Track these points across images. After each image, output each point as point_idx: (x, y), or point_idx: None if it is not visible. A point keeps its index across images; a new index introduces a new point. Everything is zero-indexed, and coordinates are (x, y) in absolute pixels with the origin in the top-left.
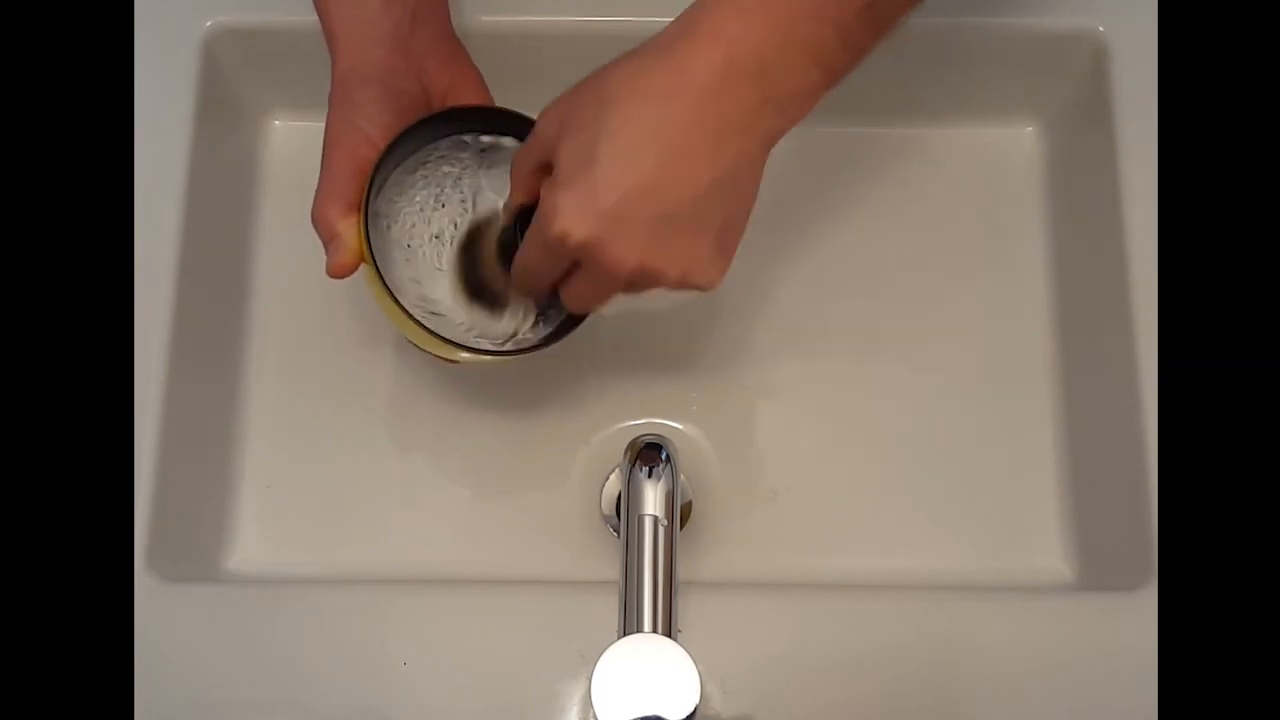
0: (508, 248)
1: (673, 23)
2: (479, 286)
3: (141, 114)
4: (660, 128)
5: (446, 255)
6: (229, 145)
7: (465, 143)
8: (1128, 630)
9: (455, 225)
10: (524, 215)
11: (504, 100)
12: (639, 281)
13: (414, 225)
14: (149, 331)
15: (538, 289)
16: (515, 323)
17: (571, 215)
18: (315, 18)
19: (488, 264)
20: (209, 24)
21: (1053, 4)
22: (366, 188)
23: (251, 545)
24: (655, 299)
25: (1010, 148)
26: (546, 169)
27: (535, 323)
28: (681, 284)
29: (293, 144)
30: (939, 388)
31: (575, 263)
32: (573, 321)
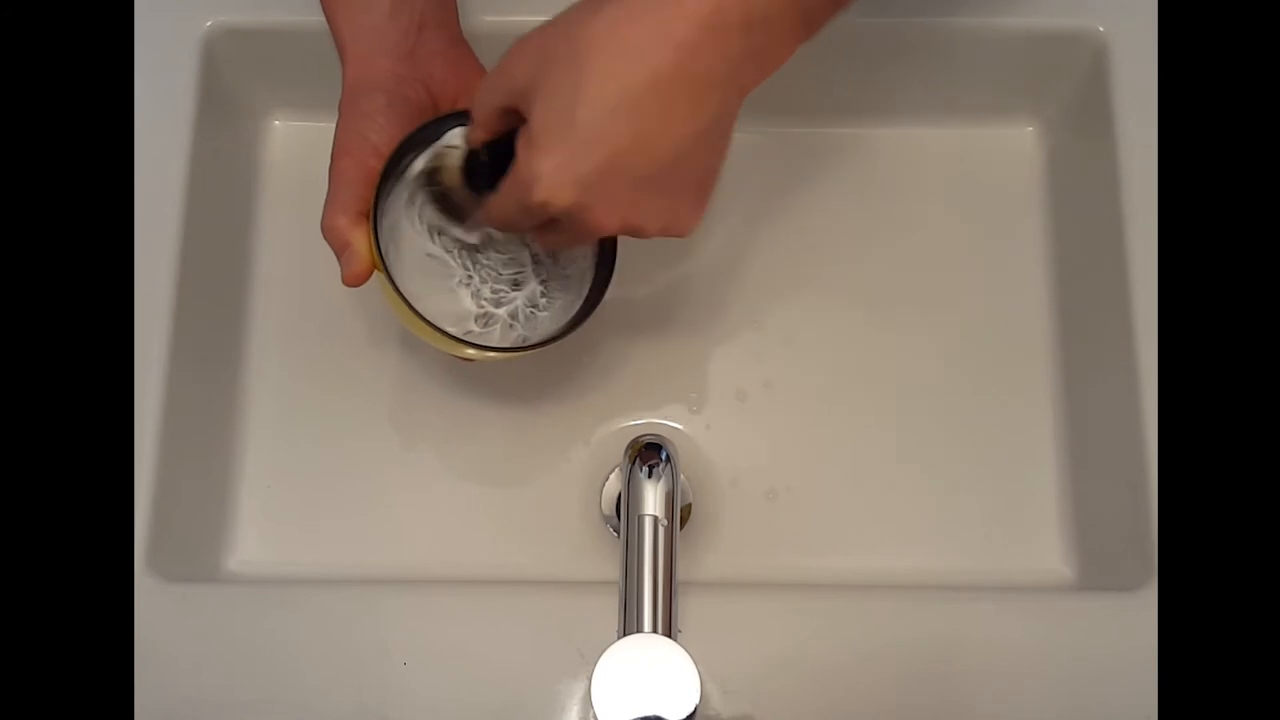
0: (472, 175)
1: None
2: (446, 211)
3: (141, 114)
4: (641, 88)
5: (407, 186)
6: (229, 145)
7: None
8: (1128, 630)
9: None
10: (490, 147)
11: None
12: (619, 235)
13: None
14: (149, 331)
15: (511, 235)
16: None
17: (553, 184)
18: (316, 18)
19: (455, 192)
20: (209, 24)
21: (1053, 4)
22: (374, 197)
23: (251, 545)
24: None
25: (1010, 148)
26: (513, 111)
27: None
28: (661, 234)
29: (293, 144)
30: (939, 388)
31: (553, 219)
32: (580, 317)
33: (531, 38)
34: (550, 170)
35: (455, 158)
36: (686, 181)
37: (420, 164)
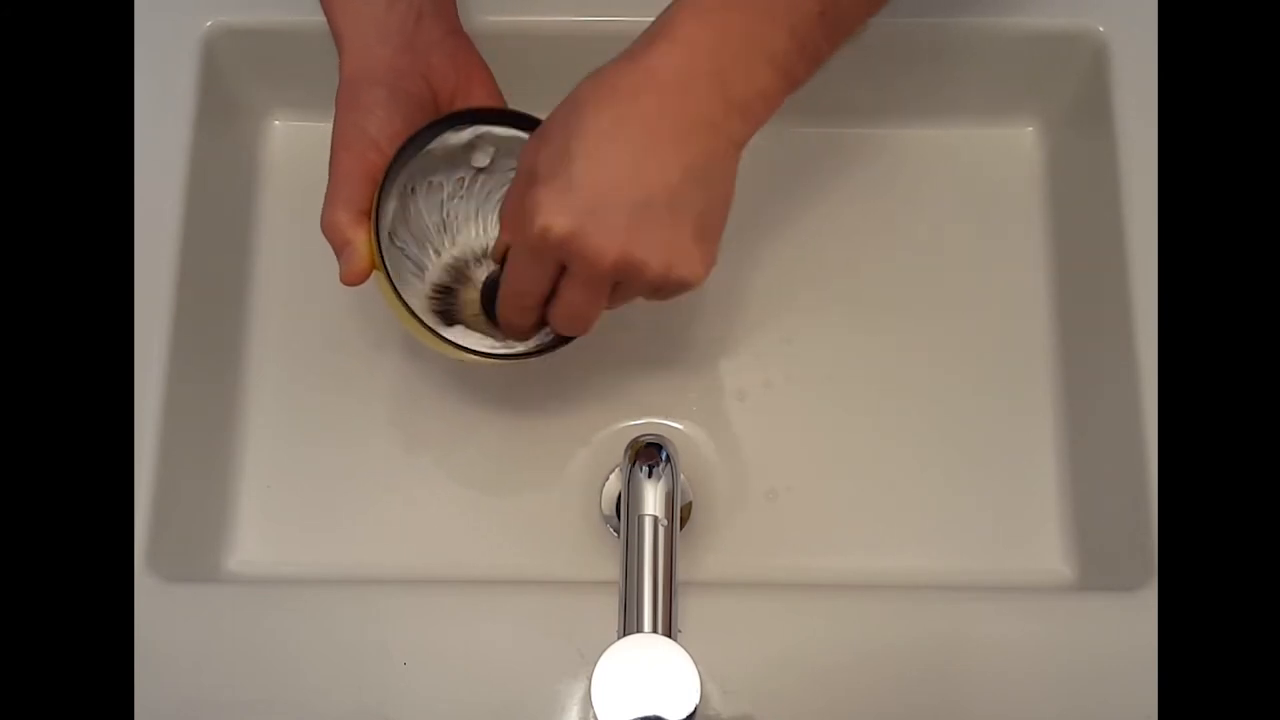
0: (489, 297)
1: (640, 34)
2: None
3: (141, 114)
4: (628, 120)
5: (421, 290)
6: (229, 145)
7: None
8: (1128, 630)
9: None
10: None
11: (506, 100)
12: (625, 274)
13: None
14: (149, 331)
15: (527, 312)
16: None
17: (550, 209)
18: (316, 18)
19: (468, 311)
20: (209, 24)
21: (1053, 4)
22: (376, 195)
23: (251, 545)
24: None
25: (1010, 148)
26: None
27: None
28: (667, 275)
29: (293, 144)
30: (939, 388)
31: (561, 268)
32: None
33: (538, 129)
34: (547, 198)
35: (472, 289)
36: (684, 215)
37: (434, 275)
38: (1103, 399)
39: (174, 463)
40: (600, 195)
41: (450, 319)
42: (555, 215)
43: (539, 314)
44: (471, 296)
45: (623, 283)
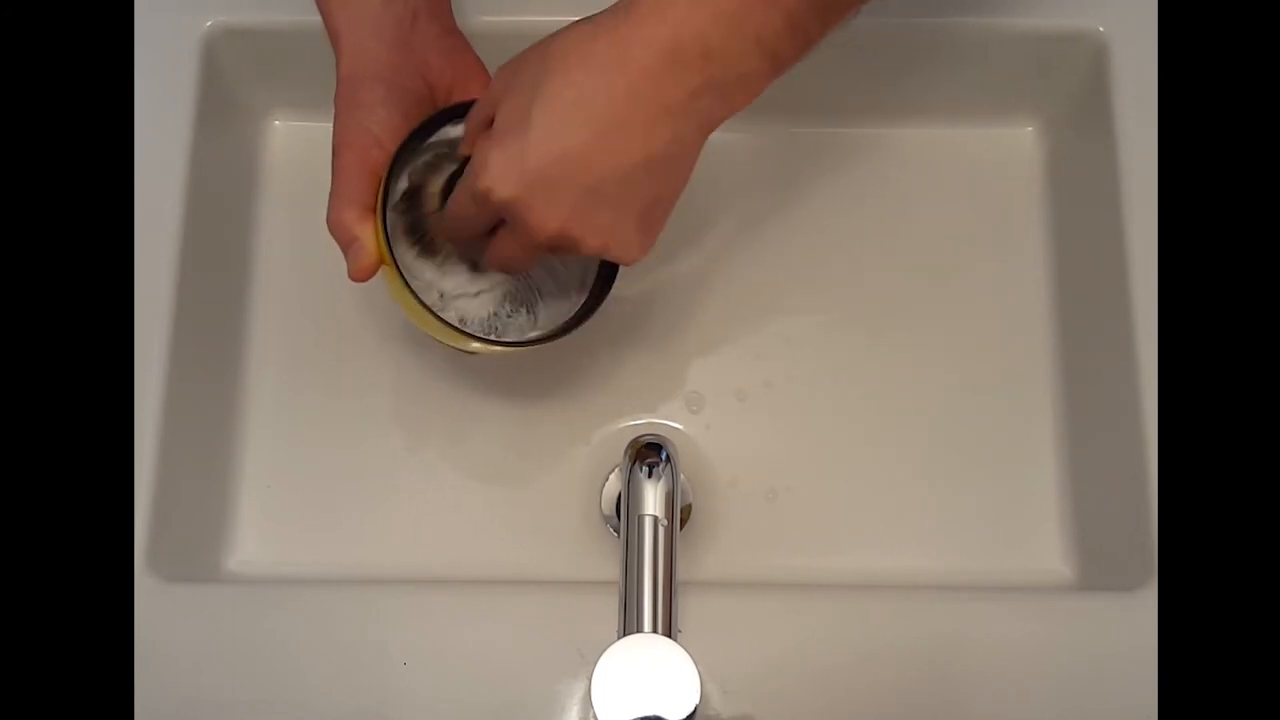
0: (448, 194)
1: None
2: (413, 226)
3: (141, 114)
4: (595, 99)
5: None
6: (229, 145)
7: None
8: (1128, 630)
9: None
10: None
11: None
12: (560, 245)
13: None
14: (149, 331)
15: (462, 238)
16: (438, 274)
17: (498, 173)
18: (315, 18)
19: (428, 205)
20: (209, 24)
21: (1053, 4)
22: (380, 190)
23: (251, 545)
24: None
25: (1010, 148)
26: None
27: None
28: (601, 253)
29: (293, 144)
30: (939, 388)
31: (501, 220)
32: (586, 311)
33: (513, 58)
34: (498, 160)
35: (436, 182)
36: (631, 204)
37: (403, 183)
38: (1103, 399)
39: (174, 463)
40: (550, 171)
41: (417, 228)
42: (501, 180)
43: (476, 244)
44: (434, 190)
45: (557, 247)
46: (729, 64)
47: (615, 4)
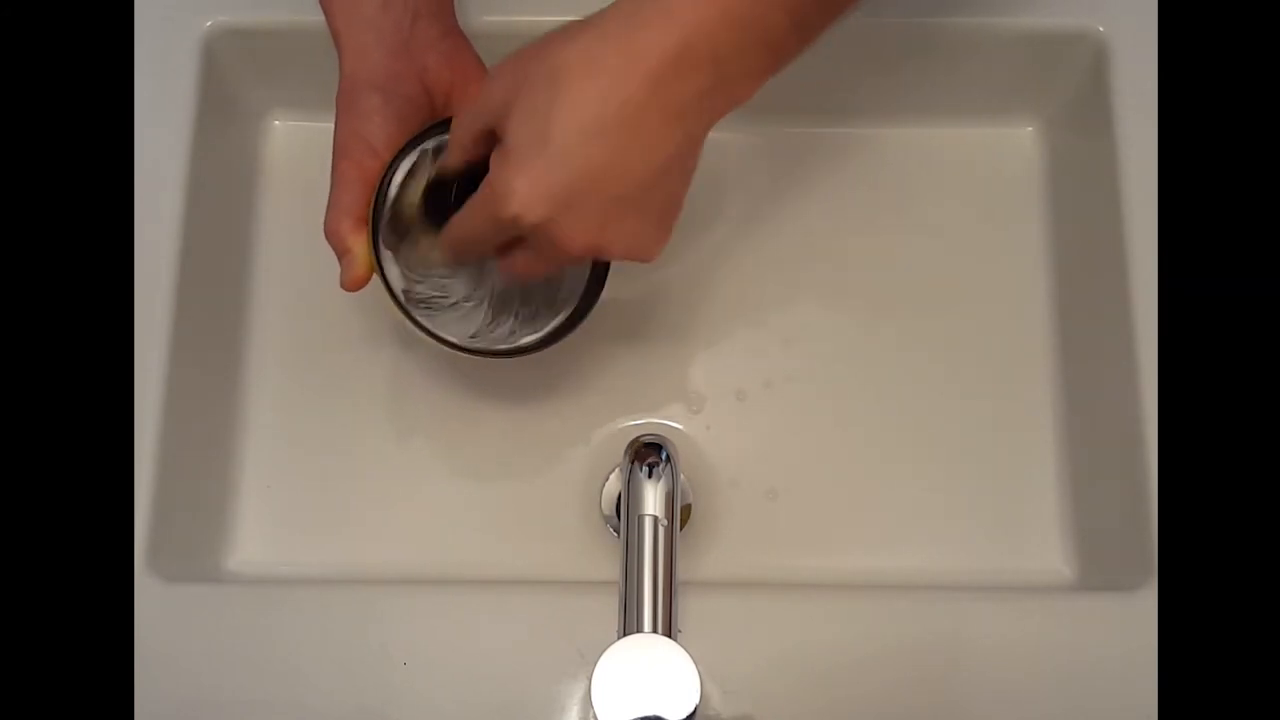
0: (431, 198)
1: None
2: (394, 221)
3: (141, 114)
4: (612, 112)
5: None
6: (229, 145)
7: None
8: (1128, 630)
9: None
10: (461, 174)
11: None
12: (586, 256)
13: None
14: (149, 331)
15: (469, 256)
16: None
17: (525, 198)
18: (316, 18)
19: (407, 206)
20: (209, 24)
21: (1053, 4)
22: (373, 201)
23: (251, 545)
24: None
25: (1010, 148)
26: (490, 135)
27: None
28: (625, 257)
29: (293, 144)
30: (939, 388)
31: (518, 238)
32: (577, 316)
33: (509, 62)
34: (524, 185)
35: (415, 190)
36: (653, 207)
37: (393, 191)
38: (1103, 399)
39: (174, 463)
40: (576, 189)
41: (399, 224)
42: (530, 206)
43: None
44: (413, 200)
45: (582, 259)
46: (736, 62)
47: (616, 5)
